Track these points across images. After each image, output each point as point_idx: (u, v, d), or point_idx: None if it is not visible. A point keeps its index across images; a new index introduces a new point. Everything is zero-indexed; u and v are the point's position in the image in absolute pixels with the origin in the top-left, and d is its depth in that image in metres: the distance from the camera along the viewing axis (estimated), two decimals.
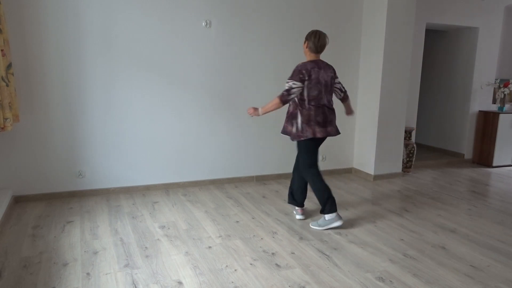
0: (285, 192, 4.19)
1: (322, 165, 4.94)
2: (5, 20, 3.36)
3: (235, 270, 2.52)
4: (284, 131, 3.29)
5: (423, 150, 6.40)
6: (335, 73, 3.27)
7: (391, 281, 2.41)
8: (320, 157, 4.90)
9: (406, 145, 5.12)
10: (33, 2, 3.51)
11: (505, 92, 5.64)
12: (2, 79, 3.11)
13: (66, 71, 3.71)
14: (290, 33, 4.48)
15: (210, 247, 2.85)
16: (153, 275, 2.43)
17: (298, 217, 3.44)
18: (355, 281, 2.40)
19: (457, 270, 2.58)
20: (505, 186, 4.68)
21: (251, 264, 2.60)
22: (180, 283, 2.35)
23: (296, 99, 3.17)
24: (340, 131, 4.89)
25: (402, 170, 5.13)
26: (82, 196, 3.95)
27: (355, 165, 5.10)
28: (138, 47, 3.90)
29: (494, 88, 5.85)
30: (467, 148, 5.88)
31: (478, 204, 3.96)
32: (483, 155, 5.76)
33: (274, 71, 4.48)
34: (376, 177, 4.80)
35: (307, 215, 3.51)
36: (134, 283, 2.34)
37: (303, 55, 3.52)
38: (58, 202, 3.77)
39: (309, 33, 3.17)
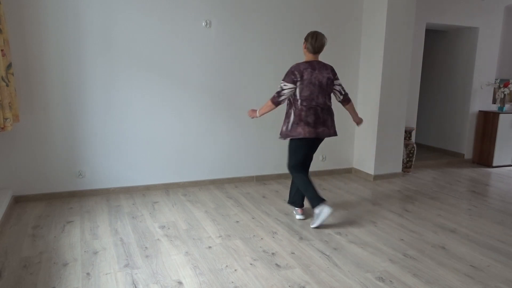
0: (285, 192, 4.20)
1: (322, 165, 4.95)
2: (5, 20, 3.36)
3: (235, 270, 2.52)
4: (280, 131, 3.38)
5: (423, 150, 6.40)
6: (334, 74, 3.25)
7: (391, 281, 2.41)
8: (320, 157, 4.90)
9: (406, 145, 5.12)
10: (33, 2, 3.51)
11: (505, 92, 5.64)
12: (2, 79, 3.11)
13: (66, 71, 3.71)
14: (290, 33, 4.48)
15: (210, 247, 2.85)
16: (153, 275, 2.43)
17: (298, 217, 3.44)
18: (355, 281, 2.40)
19: (457, 270, 2.58)
20: (505, 186, 4.68)
21: (251, 264, 2.60)
22: (180, 283, 2.35)
23: (291, 99, 3.23)
24: (340, 131, 4.91)
25: (402, 170, 5.14)
26: (82, 196, 3.95)
27: (355, 165, 5.10)
28: (138, 47, 3.90)
29: (494, 88, 5.85)
30: (467, 148, 5.88)
31: (478, 204, 3.96)
32: (483, 155, 5.76)
33: (274, 71, 4.48)
34: (376, 177, 4.80)
35: (307, 215, 3.51)
36: (134, 283, 2.34)
37: (303, 55, 3.53)
38: (58, 202, 3.77)
39: (308, 34, 3.21)
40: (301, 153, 3.28)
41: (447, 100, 6.14)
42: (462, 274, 2.52)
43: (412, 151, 5.13)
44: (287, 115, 3.27)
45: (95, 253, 2.72)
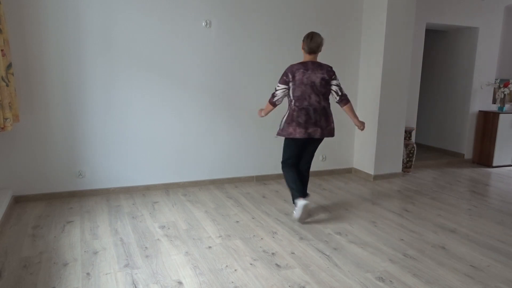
0: (285, 192, 4.19)
1: (322, 165, 4.95)
2: (5, 20, 3.36)
3: (235, 270, 2.52)
4: None
5: (423, 150, 6.40)
6: (330, 74, 3.23)
7: (391, 281, 2.41)
8: (320, 157, 4.90)
9: (406, 145, 5.12)
10: (33, 2, 3.51)
11: (505, 92, 5.64)
12: (2, 79, 3.11)
13: (66, 71, 3.71)
14: (290, 33, 4.48)
15: (210, 247, 2.85)
16: (153, 275, 2.43)
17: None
18: (355, 281, 2.40)
19: (457, 270, 2.58)
20: (505, 186, 4.68)
21: (251, 264, 2.60)
22: (180, 283, 2.35)
23: (287, 99, 3.34)
24: (340, 131, 4.91)
25: (402, 170, 5.14)
26: (82, 196, 3.95)
27: (355, 165, 5.10)
28: (138, 47, 3.90)
29: (494, 88, 5.85)
30: (467, 148, 5.88)
31: (478, 204, 3.96)
32: (483, 155, 5.76)
33: (274, 71, 4.47)
34: (376, 177, 4.80)
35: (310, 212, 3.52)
36: (134, 283, 2.34)
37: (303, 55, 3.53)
38: (58, 202, 3.77)
39: (305, 35, 3.27)
40: (292, 151, 3.37)
41: (447, 100, 6.14)
42: (462, 274, 2.52)
43: (412, 151, 5.13)
44: (284, 115, 3.36)
45: (95, 253, 2.72)
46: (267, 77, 4.47)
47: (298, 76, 3.19)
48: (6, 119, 3.16)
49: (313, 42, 3.19)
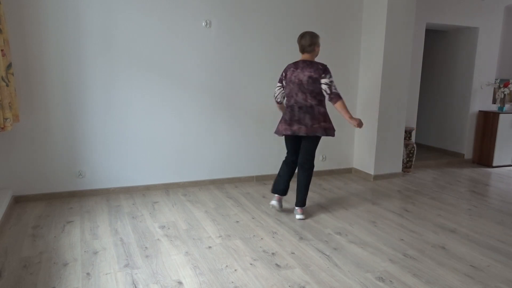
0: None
1: (322, 165, 4.95)
2: (5, 20, 3.36)
3: (235, 270, 2.52)
4: None
5: (423, 150, 6.40)
6: (319, 72, 3.22)
7: (391, 281, 2.41)
8: (320, 157, 4.90)
9: (406, 145, 5.12)
10: (33, 2, 3.51)
11: (505, 92, 5.64)
12: (2, 79, 3.11)
13: (66, 71, 3.71)
14: (290, 33, 4.48)
15: (210, 247, 2.85)
16: (153, 275, 2.43)
17: (297, 217, 3.43)
18: (355, 281, 2.40)
19: (457, 270, 2.58)
20: (505, 186, 4.68)
21: (251, 264, 2.60)
22: (180, 283, 2.35)
23: None
24: (340, 131, 4.92)
25: (402, 170, 5.14)
26: (82, 196, 3.95)
27: (355, 165, 5.10)
28: (138, 47, 3.90)
29: (494, 88, 5.85)
30: (467, 148, 5.88)
31: (478, 204, 3.97)
32: (483, 155, 5.76)
33: (274, 71, 4.48)
34: (376, 177, 4.80)
35: (306, 215, 3.52)
36: (134, 283, 2.34)
37: None
38: (58, 202, 3.77)
39: None
40: (287, 147, 3.53)
41: (447, 100, 6.14)
42: (462, 274, 2.52)
43: (412, 151, 5.13)
44: None
45: (95, 253, 2.72)
46: (267, 77, 4.47)
47: (288, 74, 3.34)
48: (6, 119, 3.16)
49: (303, 41, 3.29)
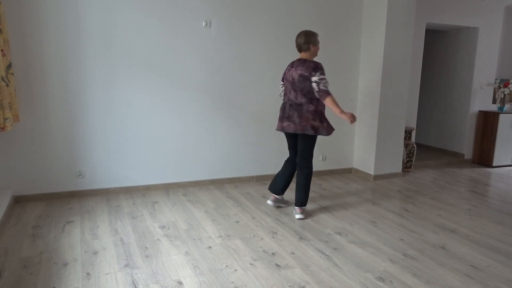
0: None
1: (322, 165, 4.95)
2: (5, 20, 3.36)
3: (235, 270, 2.52)
4: None
5: (423, 150, 6.40)
6: (310, 70, 3.23)
7: (391, 281, 2.41)
8: (320, 157, 4.90)
9: (406, 145, 5.12)
10: (33, 2, 3.51)
11: (505, 92, 5.64)
12: (2, 79, 3.11)
13: (66, 71, 3.71)
14: (290, 33, 4.48)
15: (210, 247, 2.85)
16: (153, 275, 2.43)
17: (297, 216, 3.45)
18: (355, 281, 2.40)
19: (457, 270, 2.58)
20: (505, 186, 4.68)
21: (251, 264, 2.60)
22: (180, 283, 2.35)
23: None
24: (340, 131, 4.92)
25: (402, 170, 5.14)
26: (82, 196, 3.95)
27: (355, 165, 5.10)
28: (138, 47, 3.90)
29: (494, 88, 5.85)
30: (467, 148, 5.88)
31: (478, 204, 3.97)
32: (483, 155, 5.76)
33: (274, 71, 4.48)
34: (376, 177, 4.80)
35: (306, 214, 3.52)
36: (134, 283, 2.34)
37: None
38: (58, 202, 3.77)
39: None
40: (287, 143, 3.62)
41: (447, 100, 6.14)
42: (462, 274, 2.52)
43: (412, 151, 5.13)
44: None
45: (95, 253, 2.72)
46: (267, 77, 4.47)
47: (286, 73, 3.45)
48: (6, 119, 3.16)
49: (298, 40, 3.36)
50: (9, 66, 3.29)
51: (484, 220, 3.50)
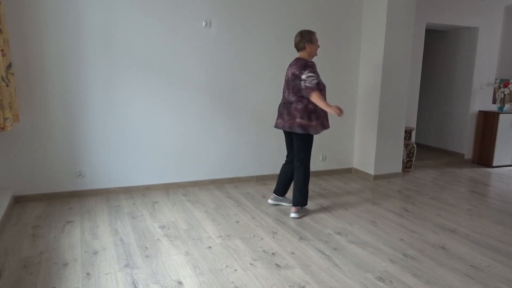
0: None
1: (322, 165, 4.95)
2: (5, 20, 3.36)
3: (235, 270, 2.52)
4: None
5: (423, 150, 6.40)
6: (300, 69, 3.25)
7: (391, 281, 2.41)
8: (320, 157, 4.90)
9: (406, 145, 5.12)
10: (33, 2, 3.51)
11: (505, 92, 5.64)
12: (2, 79, 3.11)
13: (66, 71, 3.71)
14: (290, 33, 4.48)
15: (210, 247, 2.85)
16: (153, 275, 2.43)
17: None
18: (355, 281, 2.40)
19: (457, 270, 2.58)
20: (505, 186, 4.68)
21: (251, 264, 2.60)
22: (180, 283, 2.35)
23: None
24: (340, 131, 4.92)
25: (402, 170, 5.14)
26: (82, 196, 3.95)
27: (355, 165, 5.10)
28: (138, 47, 3.90)
29: (494, 88, 5.85)
30: (467, 148, 5.88)
31: (478, 204, 3.97)
32: (483, 155, 5.76)
33: (274, 71, 4.48)
34: (376, 177, 4.80)
35: (305, 214, 3.52)
36: (134, 283, 2.34)
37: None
38: (58, 202, 3.77)
39: None
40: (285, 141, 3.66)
41: (447, 100, 6.14)
42: (462, 274, 2.52)
43: (412, 151, 5.13)
44: None
45: (95, 253, 2.72)
46: (267, 77, 4.47)
47: (286, 72, 3.53)
48: (6, 119, 3.16)
49: (295, 39, 3.40)
50: (9, 66, 3.29)
51: (484, 220, 3.50)
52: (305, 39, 3.32)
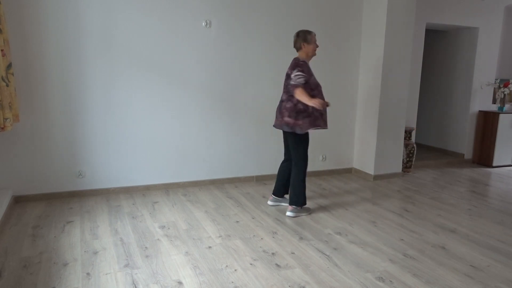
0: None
1: (322, 165, 4.95)
2: (5, 20, 3.36)
3: (235, 270, 2.52)
4: None
5: (423, 150, 6.40)
6: (291, 68, 3.33)
7: (391, 281, 2.41)
8: (320, 157, 4.90)
9: (406, 145, 5.12)
10: (33, 2, 3.51)
11: (505, 92, 5.64)
12: (2, 79, 3.11)
13: (66, 71, 3.71)
14: (290, 33, 4.48)
15: (210, 247, 2.85)
16: (153, 275, 2.43)
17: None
18: (355, 281, 2.40)
19: (457, 270, 2.58)
20: (505, 186, 4.68)
21: (251, 264, 2.60)
22: (180, 283, 2.35)
23: None
24: (340, 131, 4.92)
25: (402, 170, 5.14)
26: (82, 196, 3.95)
27: (355, 165, 5.10)
28: (138, 47, 3.90)
29: (494, 88, 5.85)
30: (467, 148, 5.88)
31: (478, 204, 3.97)
32: (483, 155, 5.76)
33: (274, 71, 4.48)
34: (376, 177, 4.80)
35: (302, 213, 3.52)
36: (134, 283, 2.34)
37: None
38: (58, 202, 3.77)
39: None
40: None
41: (447, 100, 6.14)
42: (462, 274, 2.52)
43: (412, 151, 5.13)
44: None
45: (95, 253, 2.72)
46: (267, 77, 4.47)
47: None
48: (6, 119, 3.16)
49: (294, 39, 3.41)
50: (9, 66, 3.29)
51: (484, 220, 3.50)
52: (301, 38, 3.34)
